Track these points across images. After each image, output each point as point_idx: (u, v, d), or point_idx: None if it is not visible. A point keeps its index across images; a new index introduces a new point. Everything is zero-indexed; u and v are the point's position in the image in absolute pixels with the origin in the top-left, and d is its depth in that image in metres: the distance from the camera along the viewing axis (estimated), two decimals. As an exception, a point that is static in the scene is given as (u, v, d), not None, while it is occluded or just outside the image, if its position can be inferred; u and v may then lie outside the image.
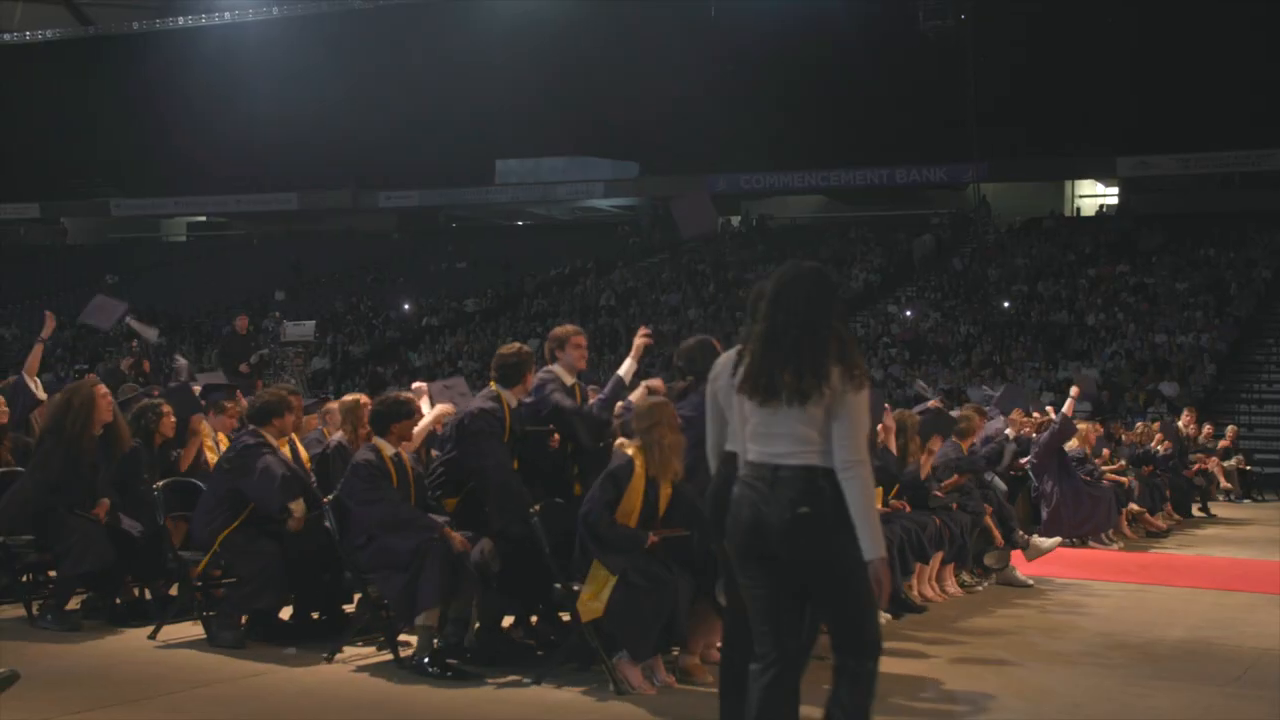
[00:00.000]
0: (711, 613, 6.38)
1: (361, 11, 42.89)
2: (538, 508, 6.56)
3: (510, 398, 7.11)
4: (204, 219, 54.41)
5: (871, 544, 4.08)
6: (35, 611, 7.91)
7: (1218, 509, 17.82)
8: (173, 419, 8.48)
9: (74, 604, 8.07)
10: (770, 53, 40.47)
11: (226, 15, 47.76)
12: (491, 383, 7.24)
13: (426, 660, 6.65)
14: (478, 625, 7.10)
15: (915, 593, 9.12)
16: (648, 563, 6.30)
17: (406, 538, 6.69)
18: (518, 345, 7.45)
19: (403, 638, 7.05)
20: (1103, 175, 42.64)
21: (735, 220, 45.47)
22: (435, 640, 6.76)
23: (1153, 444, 16.76)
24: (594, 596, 6.28)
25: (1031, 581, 10.22)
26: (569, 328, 7.46)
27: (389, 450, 6.97)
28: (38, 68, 50.13)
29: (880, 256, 38.43)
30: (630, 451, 6.41)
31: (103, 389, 8.07)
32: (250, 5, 48.18)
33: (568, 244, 44.13)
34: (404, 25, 44.12)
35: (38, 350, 9.75)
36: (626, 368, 7.33)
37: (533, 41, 41.30)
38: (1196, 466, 17.79)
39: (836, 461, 4.12)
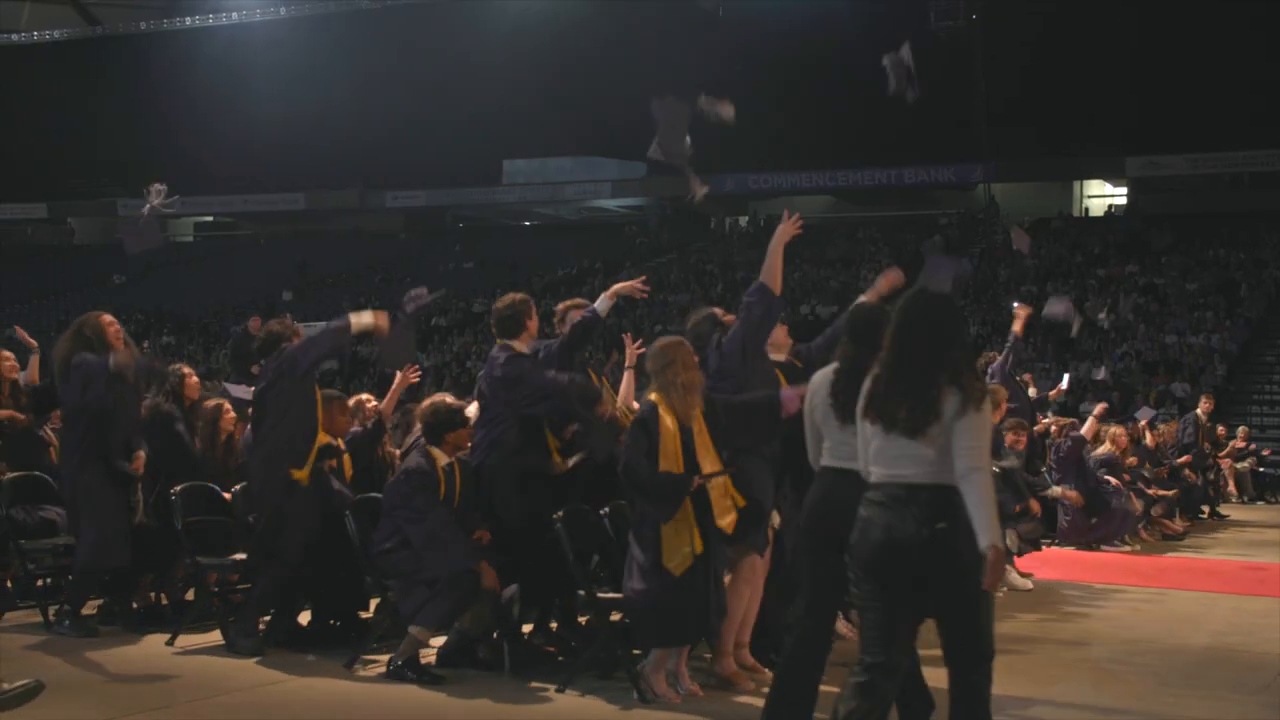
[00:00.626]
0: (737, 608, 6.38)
1: (368, 12, 42.92)
2: (561, 514, 6.50)
3: (520, 346, 7.04)
4: (211, 219, 54.40)
5: (989, 532, 4.17)
6: (52, 617, 7.86)
7: (1229, 511, 17.73)
8: (195, 379, 8.52)
9: (90, 609, 8.04)
10: (778, 52, 40.38)
11: (234, 15, 47.86)
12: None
13: (402, 664, 6.63)
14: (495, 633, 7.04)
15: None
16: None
17: (441, 560, 6.59)
18: (511, 295, 7.30)
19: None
20: (1111, 175, 42.57)
21: (743, 220, 45.42)
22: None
23: (1172, 442, 16.56)
24: (677, 551, 6.06)
25: (1031, 584, 10.08)
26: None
27: (442, 460, 6.88)
28: (45, 68, 50.16)
29: (888, 257, 38.30)
30: (653, 397, 6.23)
31: (108, 317, 7.90)
32: (257, 5, 48.23)
33: (575, 244, 44.08)
34: (411, 25, 44.10)
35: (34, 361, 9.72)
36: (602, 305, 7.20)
37: (540, 41, 41.26)
38: (1214, 460, 17.49)
39: (957, 470, 4.24)
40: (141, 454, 7.74)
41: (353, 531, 6.98)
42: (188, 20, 47.03)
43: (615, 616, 6.69)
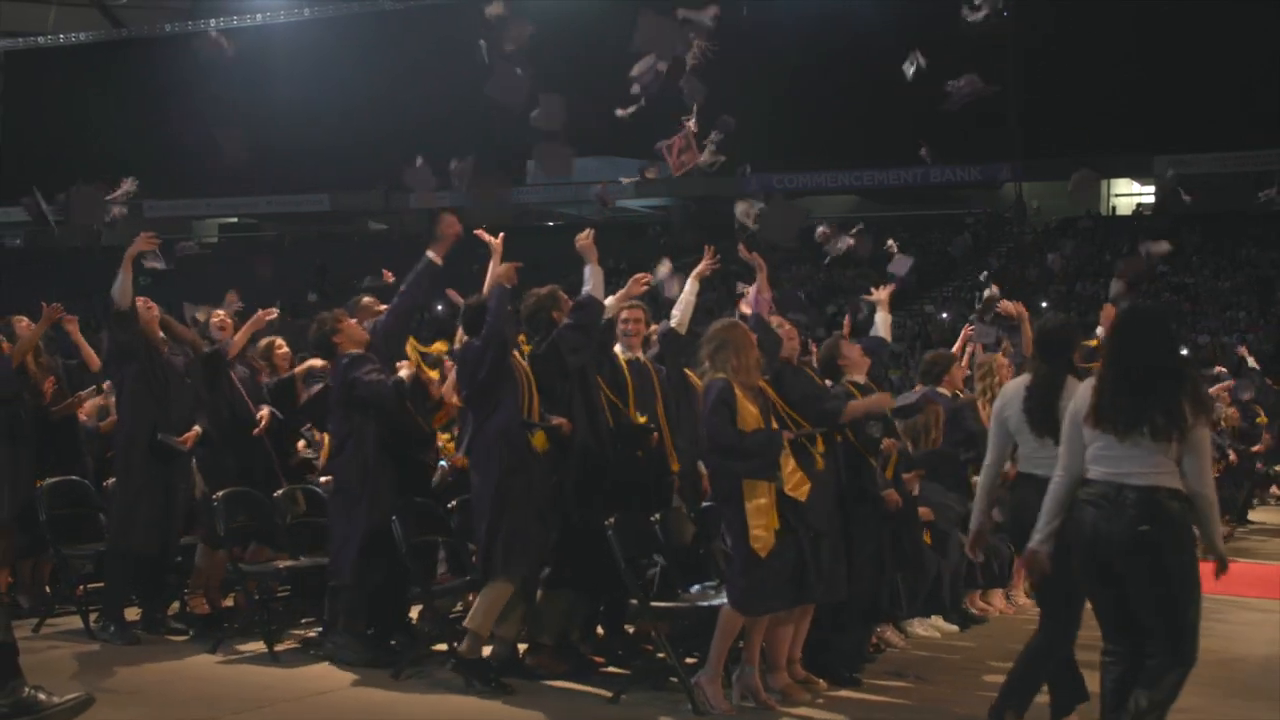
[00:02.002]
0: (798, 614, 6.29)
1: (391, 12, 42.90)
2: (613, 520, 6.38)
3: None
4: (235, 220, 54.54)
5: (1215, 545, 4.77)
6: (93, 623, 7.78)
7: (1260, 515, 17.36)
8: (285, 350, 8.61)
9: (133, 614, 7.96)
10: (801, 50, 40.25)
11: (257, 17, 48.00)
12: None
13: (466, 667, 6.56)
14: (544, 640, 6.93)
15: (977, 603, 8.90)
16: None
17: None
18: (536, 292, 7.26)
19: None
20: (1140, 174, 42.26)
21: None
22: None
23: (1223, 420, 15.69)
24: (764, 529, 5.99)
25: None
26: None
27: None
28: (71, 69, 50.39)
29: (914, 256, 38.11)
30: (719, 375, 6.16)
31: (143, 300, 7.89)
32: (280, 6, 48.35)
33: (599, 244, 43.90)
34: (434, 25, 44.07)
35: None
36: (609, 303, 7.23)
37: (562, 40, 41.15)
38: (1259, 448, 16.87)
39: (1191, 491, 4.63)
40: (196, 430, 7.70)
41: (399, 536, 6.85)
42: (211, 22, 47.14)
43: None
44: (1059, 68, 39.58)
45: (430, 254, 7.49)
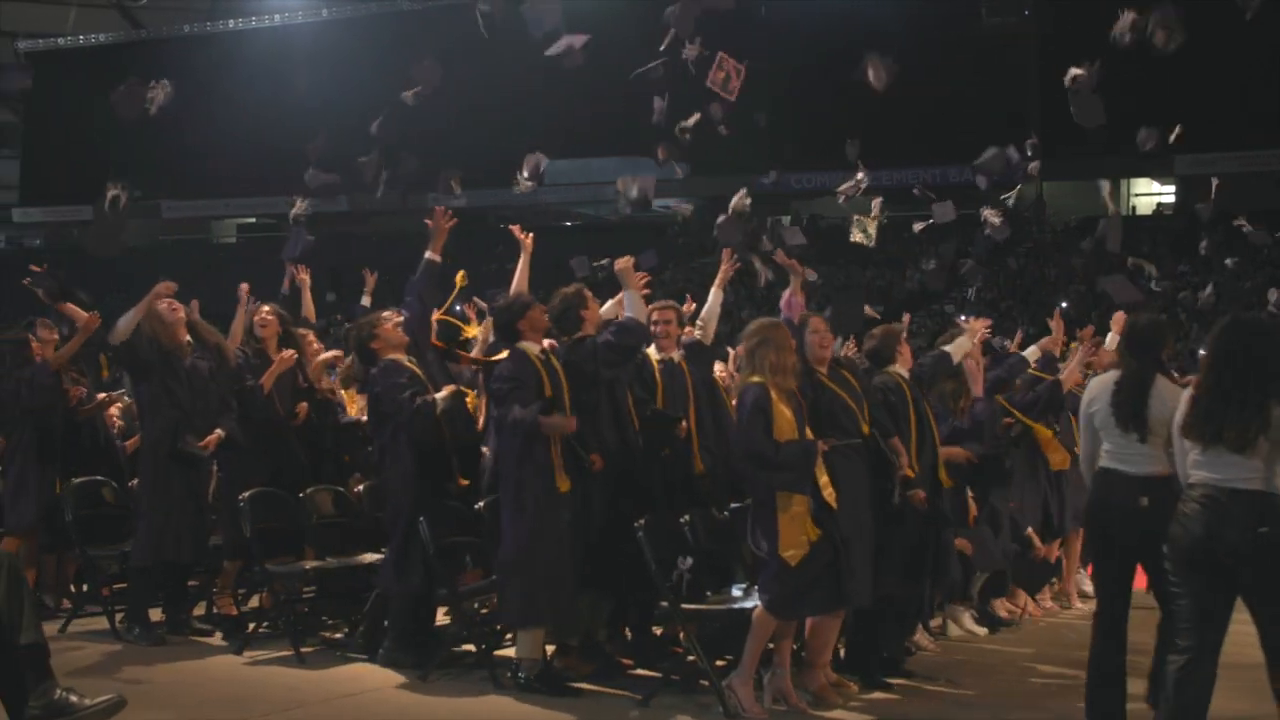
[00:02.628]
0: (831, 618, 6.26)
1: (410, 13, 42.92)
2: (644, 521, 6.34)
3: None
4: (253, 220, 54.66)
5: None
6: (119, 624, 7.77)
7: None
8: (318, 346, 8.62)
9: (157, 615, 7.94)
10: (820, 51, 40.11)
11: (275, 17, 48.13)
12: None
13: (531, 677, 6.51)
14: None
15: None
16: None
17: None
18: (563, 291, 7.19)
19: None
20: (1160, 173, 41.97)
21: (787, 220, 45.15)
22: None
23: None
24: (797, 540, 5.95)
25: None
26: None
27: None
28: (89, 70, 50.54)
29: (934, 257, 37.99)
30: (756, 379, 6.11)
31: (168, 303, 7.84)
32: (298, 7, 48.46)
33: (618, 244, 43.86)
34: (452, 26, 44.05)
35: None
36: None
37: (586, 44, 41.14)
38: None
39: None
40: (218, 433, 7.65)
41: (426, 537, 6.82)
42: (230, 23, 47.37)
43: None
44: (1076, 66, 39.31)
45: (429, 254, 7.44)
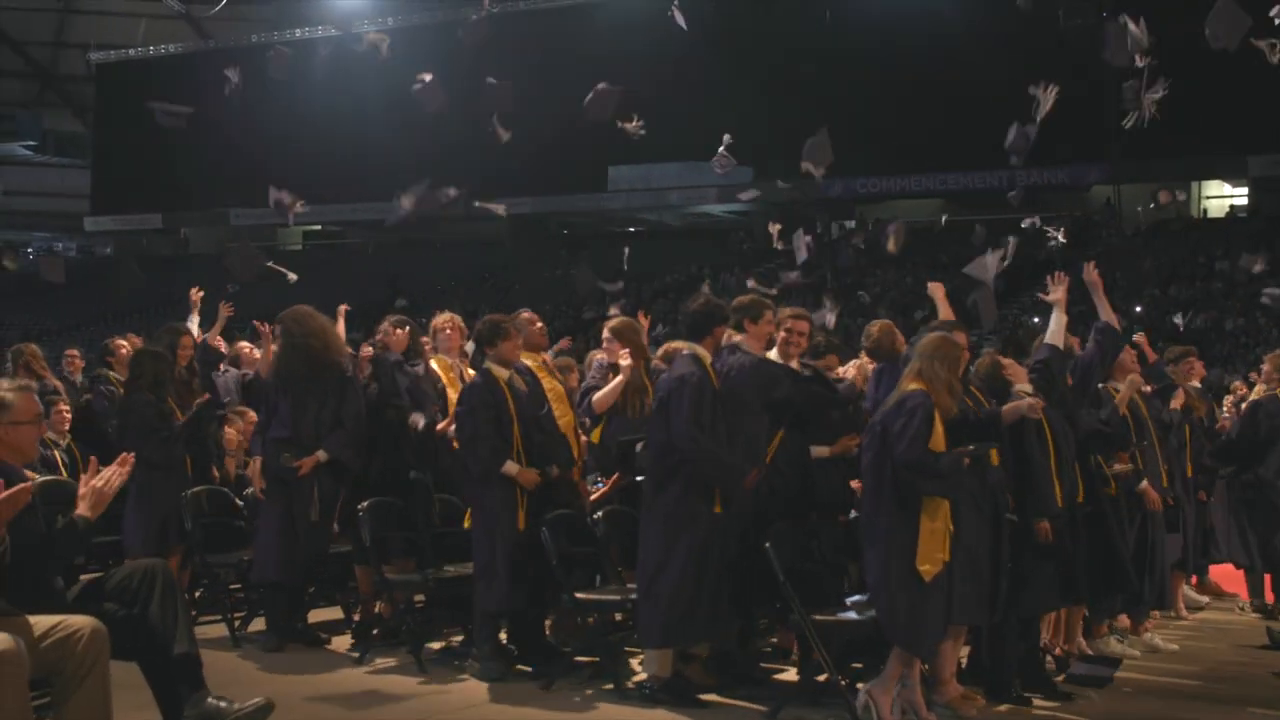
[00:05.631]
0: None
1: (474, 23, 43.09)
2: (772, 533, 6.30)
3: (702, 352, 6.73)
4: (319, 228, 55.15)
5: None
6: (236, 628, 7.87)
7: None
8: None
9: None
10: (886, 54, 39.89)
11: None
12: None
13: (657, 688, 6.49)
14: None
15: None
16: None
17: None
18: (706, 296, 7.16)
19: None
20: (1233, 175, 41.34)
21: (851, 224, 44.94)
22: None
23: None
24: (934, 556, 5.92)
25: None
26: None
27: None
28: (158, 80, 51.22)
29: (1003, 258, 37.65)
30: (918, 385, 6.07)
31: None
32: (365, 15, 48.88)
33: (681, 250, 43.88)
34: (515, 33, 44.28)
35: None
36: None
37: (644, 47, 41.15)
38: None
39: None
40: (318, 456, 7.63)
41: (549, 547, 6.83)
42: (296, 32, 47.81)
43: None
44: (1150, 67, 38.77)
45: None
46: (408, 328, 8.27)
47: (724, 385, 6.61)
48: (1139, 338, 12.15)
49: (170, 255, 55.04)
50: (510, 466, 6.94)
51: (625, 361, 7.67)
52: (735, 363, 6.75)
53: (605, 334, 8.15)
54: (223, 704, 4.85)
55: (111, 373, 9.65)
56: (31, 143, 55.33)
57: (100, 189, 54.41)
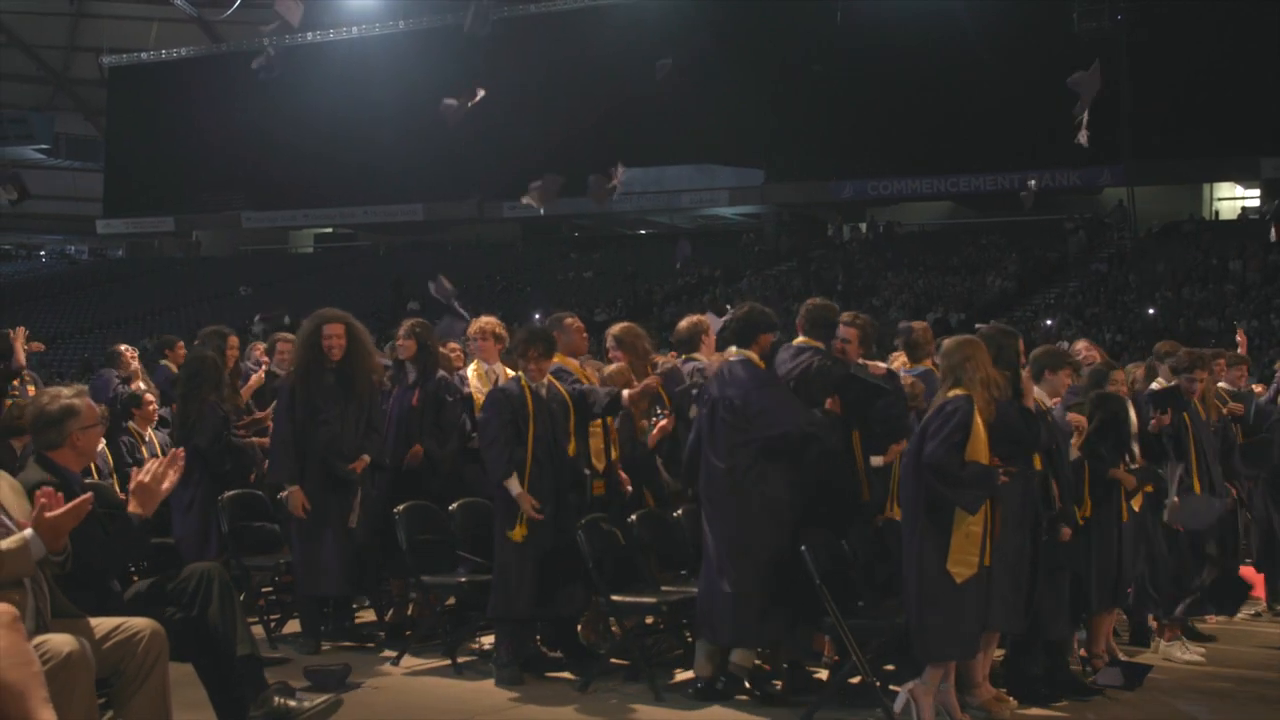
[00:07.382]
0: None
1: (472, 11, 43.15)
2: (810, 539, 6.36)
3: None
4: (330, 230, 55.29)
5: None
6: (272, 630, 7.94)
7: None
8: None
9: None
10: (897, 56, 39.90)
11: (353, 30, 48.68)
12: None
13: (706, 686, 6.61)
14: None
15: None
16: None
17: None
18: (820, 300, 7.38)
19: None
20: (1245, 177, 41.33)
21: (862, 226, 45.00)
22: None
23: None
24: (966, 559, 5.95)
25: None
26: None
27: None
28: (170, 84, 51.43)
29: (1015, 263, 37.71)
30: (960, 391, 6.06)
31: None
32: (375, 19, 49.00)
33: (693, 252, 43.91)
34: (527, 36, 44.37)
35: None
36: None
37: (655, 49, 41.15)
38: None
39: None
40: (365, 460, 7.68)
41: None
42: (308, 35, 47.92)
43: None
44: (1159, 70, 38.72)
45: None
46: (414, 339, 8.27)
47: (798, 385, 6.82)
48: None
49: (183, 257, 55.26)
50: (514, 484, 6.99)
51: (611, 368, 7.88)
52: (804, 361, 6.91)
53: (609, 340, 8.24)
54: (291, 701, 4.93)
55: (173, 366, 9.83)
56: (44, 146, 55.53)
57: (113, 192, 54.64)
